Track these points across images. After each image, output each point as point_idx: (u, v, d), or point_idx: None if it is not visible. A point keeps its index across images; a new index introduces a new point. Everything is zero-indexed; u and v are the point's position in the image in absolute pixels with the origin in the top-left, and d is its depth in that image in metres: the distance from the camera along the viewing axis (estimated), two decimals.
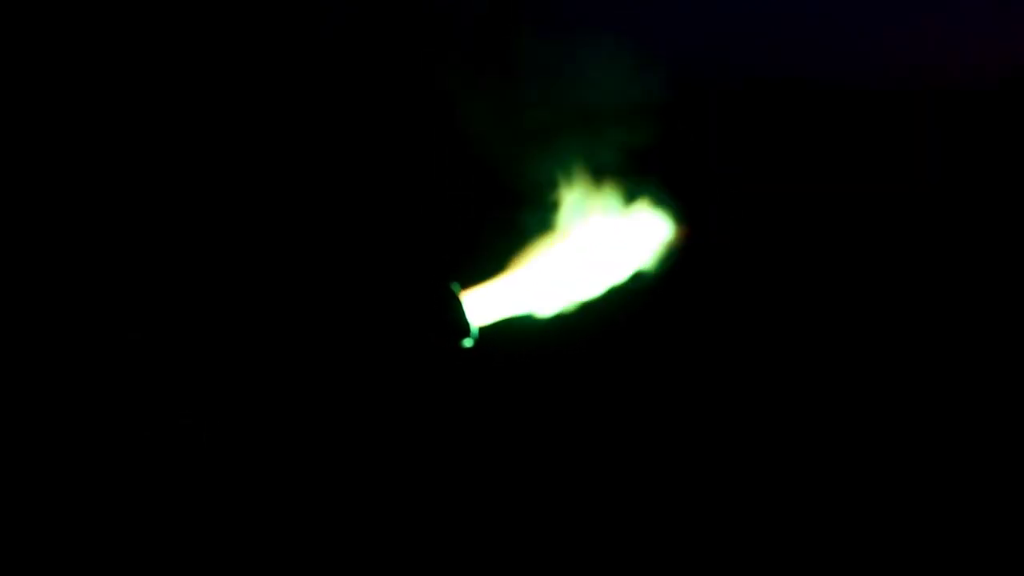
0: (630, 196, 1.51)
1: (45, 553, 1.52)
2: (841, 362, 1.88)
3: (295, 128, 1.97)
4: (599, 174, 1.53)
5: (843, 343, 1.89)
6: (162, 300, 1.71)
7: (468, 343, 1.31)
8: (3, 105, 1.90)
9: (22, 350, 1.67)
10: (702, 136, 1.90)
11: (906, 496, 1.80)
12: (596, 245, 1.45)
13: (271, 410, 1.33)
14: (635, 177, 1.53)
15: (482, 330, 1.34)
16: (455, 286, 1.33)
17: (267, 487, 1.53)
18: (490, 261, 1.40)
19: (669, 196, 1.52)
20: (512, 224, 1.47)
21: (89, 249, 1.85)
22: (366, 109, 2.00)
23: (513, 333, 1.38)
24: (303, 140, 1.97)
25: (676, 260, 1.50)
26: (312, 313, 1.31)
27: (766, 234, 1.89)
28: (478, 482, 1.68)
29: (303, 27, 2.05)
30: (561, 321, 1.42)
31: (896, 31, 1.79)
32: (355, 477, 1.56)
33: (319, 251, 1.79)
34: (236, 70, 2.01)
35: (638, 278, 1.46)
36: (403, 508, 1.59)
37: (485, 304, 1.36)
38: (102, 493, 1.54)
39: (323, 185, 1.92)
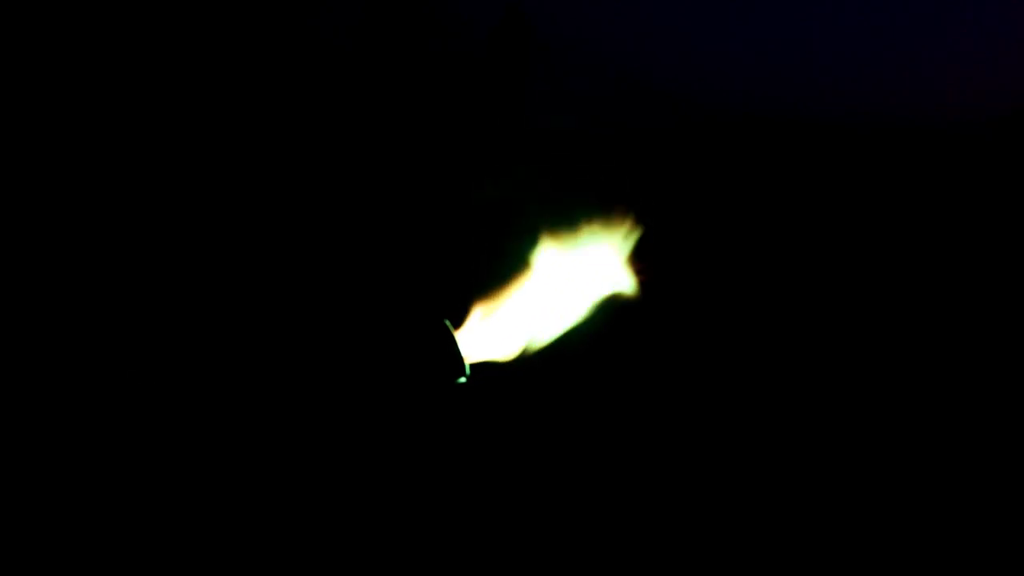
0: (615, 224, 1.52)
1: (38, 552, 1.54)
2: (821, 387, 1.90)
3: (306, 145, 1.98)
4: (586, 203, 1.53)
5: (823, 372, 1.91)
6: (162, 317, 1.73)
7: (462, 380, 1.33)
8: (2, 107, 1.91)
9: (18, 349, 1.69)
10: (695, 168, 1.91)
11: (904, 497, 1.82)
12: (579, 273, 1.45)
13: (259, 448, 1.35)
14: (622, 205, 1.54)
15: (474, 366, 1.35)
16: (448, 323, 1.35)
17: (254, 516, 1.55)
18: (481, 295, 1.41)
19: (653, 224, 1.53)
20: (502, 256, 1.48)
21: (89, 249, 1.86)
22: (375, 124, 2.01)
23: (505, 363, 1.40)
24: (313, 158, 1.98)
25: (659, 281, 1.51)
26: (304, 351, 1.32)
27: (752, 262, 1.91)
28: (474, 523, 1.70)
29: (315, 32, 2.05)
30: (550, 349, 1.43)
31: (889, 70, 1.80)
32: (345, 516, 1.58)
33: (311, 289, 1.80)
34: (243, 77, 2.01)
35: (624, 300, 1.47)
36: (393, 544, 1.61)
37: (478, 340, 1.38)
38: (97, 493, 1.56)
39: (329, 214, 1.94)
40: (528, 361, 1.41)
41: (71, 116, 1.95)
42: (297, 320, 1.67)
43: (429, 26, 2.09)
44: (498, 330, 1.40)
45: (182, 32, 2.01)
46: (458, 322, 1.37)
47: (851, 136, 1.88)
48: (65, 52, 1.94)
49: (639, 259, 1.52)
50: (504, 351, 1.40)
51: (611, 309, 1.47)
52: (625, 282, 1.48)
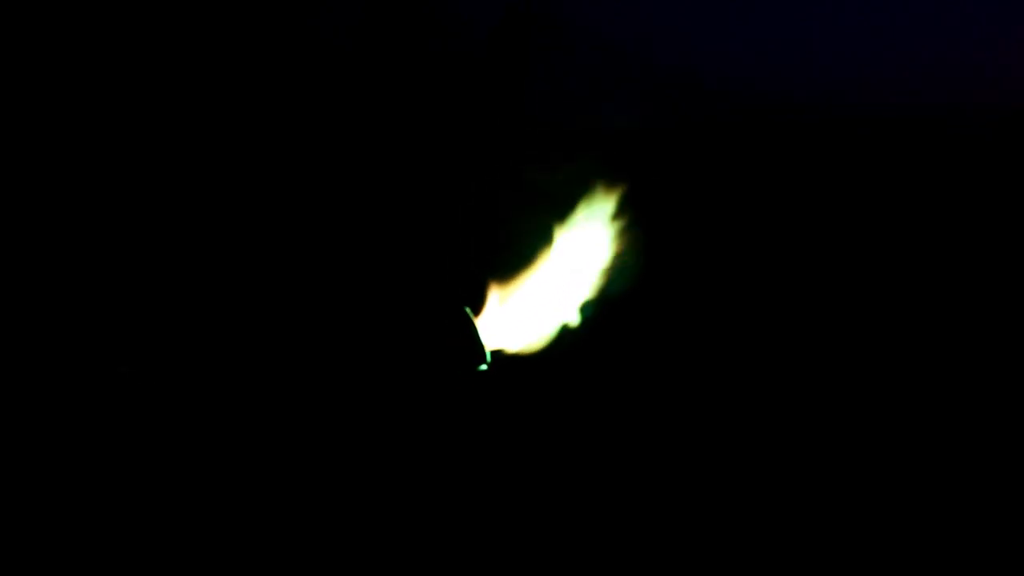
0: (619, 217, 1.53)
1: (37, 553, 1.52)
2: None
3: (308, 145, 1.98)
4: (594, 196, 1.54)
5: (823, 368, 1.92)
6: (177, 317, 1.71)
7: (483, 367, 1.33)
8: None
9: (18, 350, 1.67)
10: (701, 165, 1.93)
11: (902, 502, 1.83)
12: (588, 262, 1.47)
13: (282, 447, 1.34)
14: (626, 202, 1.55)
15: (494, 353, 1.36)
16: (468, 310, 1.35)
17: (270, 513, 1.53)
18: (496, 284, 1.41)
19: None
20: (516, 243, 1.48)
21: (93, 251, 1.84)
22: (376, 124, 2.00)
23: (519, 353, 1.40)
24: (315, 158, 1.97)
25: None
26: (327, 341, 1.32)
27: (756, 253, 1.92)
28: (493, 512, 1.69)
29: (315, 32, 2.05)
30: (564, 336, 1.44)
31: (895, 63, 1.81)
32: (368, 508, 1.57)
33: (333, 280, 1.80)
34: (243, 76, 2.01)
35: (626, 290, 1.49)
36: (414, 537, 1.60)
37: (497, 327, 1.38)
38: (95, 495, 1.54)
39: (334, 214, 1.94)
40: (542, 351, 1.42)
41: (70, 116, 1.93)
42: (319, 312, 1.66)
43: (429, 26, 2.10)
44: (515, 319, 1.41)
45: (181, 31, 2.00)
46: (476, 311, 1.37)
47: (857, 136, 1.90)
48: (64, 52, 1.93)
49: (645, 254, 1.54)
50: (521, 340, 1.41)
51: (618, 302, 1.48)
52: (632, 277, 1.49)
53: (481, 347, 1.33)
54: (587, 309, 1.44)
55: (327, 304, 1.70)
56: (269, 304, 1.74)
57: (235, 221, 1.93)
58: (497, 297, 1.40)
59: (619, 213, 1.53)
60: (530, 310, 1.41)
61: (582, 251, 1.48)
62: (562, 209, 1.54)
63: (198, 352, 1.64)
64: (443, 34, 2.09)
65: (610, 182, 1.59)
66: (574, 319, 1.43)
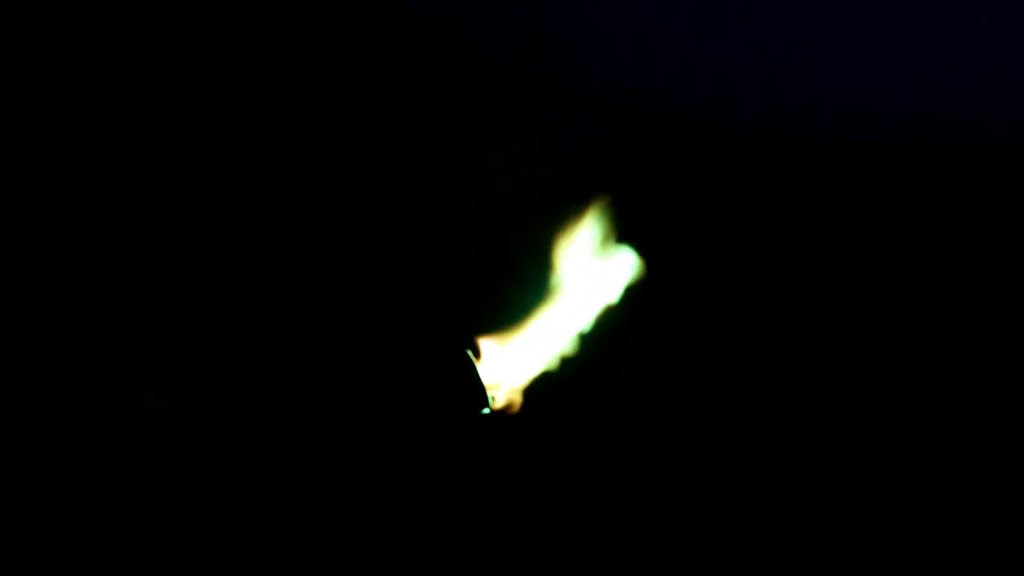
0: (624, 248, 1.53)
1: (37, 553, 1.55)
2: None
3: (307, 146, 1.97)
4: (592, 229, 1.54)
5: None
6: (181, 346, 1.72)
7: (486, 411, 1.35)
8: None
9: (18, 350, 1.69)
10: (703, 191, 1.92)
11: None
12: (588, 298, 1.47)
13: (278, 490, 1.36)
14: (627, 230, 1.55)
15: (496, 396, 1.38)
16: (470, 353, 1.37)
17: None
18: (497, 323, 1.42)
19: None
20: (517, 282, 1.49)
21: (96, 255, 1.85)
22: (376, 125, 2.00)
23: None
24: (315, 159, 1.97)
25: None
26: (329, 385, 1.33)
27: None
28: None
29: (315, 32, 2.04)
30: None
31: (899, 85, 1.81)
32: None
33: (329, 295, 1.81)
34: (243, 76, 2.00)
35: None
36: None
37: (499, 368, 1.40)
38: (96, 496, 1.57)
39: (333, 216, 1.94)
40: (544, 392, 1.43)
41: (69, 116, 1.93)
42: (315, 339, 1.67)
43: (429, 26, 2.08)
44: (512, 359, 1.42)
45: (181, 31, 1.99)
46: (477, 353, 1.39)
47: (873, 156, 1.89)
48: (64, 52, 1.92)
49: (648, 281, 1.54)
50: (518, 379, 1.42)
51: (621, 335, 1.49)
52: (633, 306, 1.50)
53: (483, 390, 1.35)
54: (587, 347, 1.46)
55: (323, 330, 1.71)
56: (263, 318, 1.75)
57: (232, 224, 1.93)
58: (498, 338, 1.41)
59: (617, 242, 1.54)
60: (531, 351, 1.43)
61: (581, 286, 1.49)
62: (561, 237, 1.55)
63: (187, 367, 1.66)
64: (443, 34, 2.08)
65: (605, 208, 1.59)
66: (574, 358, 1.45)
